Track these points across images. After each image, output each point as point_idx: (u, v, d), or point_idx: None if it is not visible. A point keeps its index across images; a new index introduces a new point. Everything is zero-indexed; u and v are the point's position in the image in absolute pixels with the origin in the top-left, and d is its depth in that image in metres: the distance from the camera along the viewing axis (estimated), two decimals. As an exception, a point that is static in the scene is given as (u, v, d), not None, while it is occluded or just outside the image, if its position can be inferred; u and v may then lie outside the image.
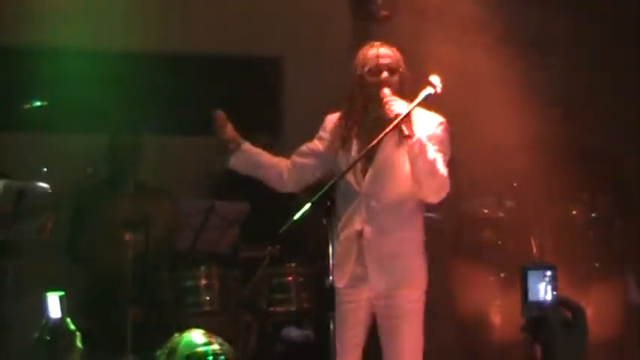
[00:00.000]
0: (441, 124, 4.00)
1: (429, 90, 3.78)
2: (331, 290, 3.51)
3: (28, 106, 4.90)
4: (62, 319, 2.39)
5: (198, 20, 6.37)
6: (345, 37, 6.26)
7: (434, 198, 3.94)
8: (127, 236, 5.12)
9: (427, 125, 3.95)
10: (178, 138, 6.49)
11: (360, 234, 3.95)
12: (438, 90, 3.78)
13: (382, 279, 3.94)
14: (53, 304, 2.40)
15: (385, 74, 3.97)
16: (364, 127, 4.04)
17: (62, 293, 2.42)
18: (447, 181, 3.87)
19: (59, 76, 5.87)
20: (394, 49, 4.07)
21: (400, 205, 4.00)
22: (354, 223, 3.96)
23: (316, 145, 4.17)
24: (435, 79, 3.79)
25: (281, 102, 6.68)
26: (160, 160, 6.08)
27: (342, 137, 4.03)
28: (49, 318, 2.39)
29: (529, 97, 6.38)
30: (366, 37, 6.40)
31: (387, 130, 3.73)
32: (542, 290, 2.29)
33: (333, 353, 3.52)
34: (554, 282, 2.32)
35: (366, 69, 3.99)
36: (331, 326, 3.48)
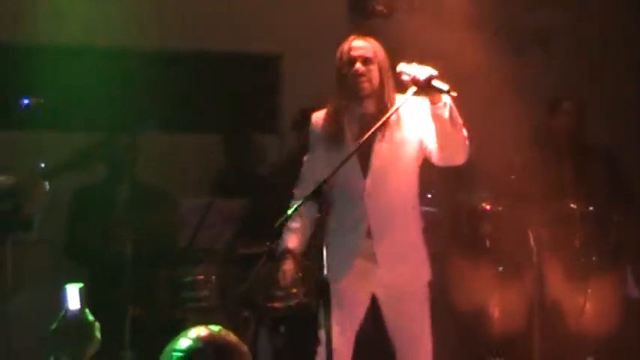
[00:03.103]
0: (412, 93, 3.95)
1: (412, 89, 3.75)
2: (326, 284, 3.51)
3: (26, 103, 4.89)
4: (81, 311, 2.38)
5: (196, 18, 6.37)
6: (342, 33, 6.25)
7: (463, 156, 3.94)
8: (125, 234, 5.13)
9: (420, 110, 3.96)
10: (177, 136, 6.50)
11: (368, 234, 3.96)
12: (453, 94, 3.71)
13: (395, 276, 3.97)
14: (72, 296, 2.40)
15: (358, 65, 3.97)
16: (354, 124, 4.04)
17: (81, 285, 2.41)
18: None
19: (57, 74, 5.87)
20: (371, 40, 4.09)
21: (402, 202, 4.04)
22: (361, 223, 3.96)
23: (312, 168, 4.15)
24: (439, 84, 3.73)
25: (279, 99, 6.68)
26: (158, 158, 6.09)
27: (333, 135, 4.02)
28: (67, 309, 2.38)
29: (528, 92, 6.39)
30: (363, 34, 6.43)
31: (376, 126, 3.74)
32: None
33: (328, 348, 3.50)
34: None
35: (341, 62, 4.01)
36: (326, 323, 3.47)
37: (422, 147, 4.04)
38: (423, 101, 3.91)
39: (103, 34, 6.02)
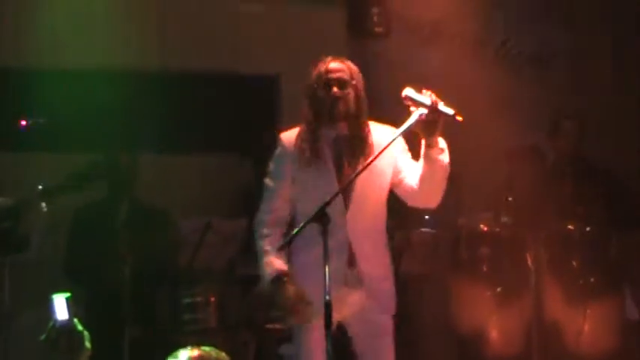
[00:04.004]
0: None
1: (420, 111, 3.75)
2: (329, 306, 3.49)
3: (26, 124, 4.90)
4: (70, 320, 2.38)
5: (195, 39, 6.39)
6: (341, 54, 6.27)
7: (437, 202, 3.96)
8: (125, 255, 5.12)
9: (395, 146, 3.91)
10: (177, 156, 6.51)
11: (350, 262, 3.95)
12: (459, 118, 3.70)
13: (372, 303, 3.96)
14: (60, 306, 2.40)
15: (335, 89, 3.97)
16: (329, 145, 4.01)
17: (69, 295, 2.42)
18: None
19: (57, 97, 5.89)
20: (348, 63, 4.02)
21: (377, 232, 4.02)
22: (342, 252, 3.89)
23: (278, 196, 4.03)
24: (445, 108, 3.73)
25: (278, 119, 6.69)
26: (157, 178, 6.09)
27: (309, 156, 3.96)
28: (56, 320, 2.38)
29: (526, 112, 6.41)
30: (362, 54, 6.45)
31: (380, 152, 3.73)
32: None
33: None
34: None
35: (317, 84, 3.97)
36: (328, 344, 3.46)
37: (394, 182, 4.00)
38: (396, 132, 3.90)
39: (103, 57, 6.04)
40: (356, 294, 3.94)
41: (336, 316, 3.77)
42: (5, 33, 5.99)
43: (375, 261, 4.01)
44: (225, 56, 6.46)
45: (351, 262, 3.93)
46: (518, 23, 7.00)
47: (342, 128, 3.98)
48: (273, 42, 6.45)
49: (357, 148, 3.95)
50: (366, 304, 3.96)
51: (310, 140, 3.96)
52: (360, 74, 4.03)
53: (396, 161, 3.98)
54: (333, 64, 4.00)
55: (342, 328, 4.01)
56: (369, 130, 3.98)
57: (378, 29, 6.67)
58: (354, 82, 3.97)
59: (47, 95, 5.86)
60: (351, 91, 3.96)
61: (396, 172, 3.99)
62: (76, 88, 6.05)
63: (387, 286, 4.06)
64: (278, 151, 4.08)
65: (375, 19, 6.66)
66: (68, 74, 6.07)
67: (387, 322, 4.04)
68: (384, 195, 4.03)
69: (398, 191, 4.03)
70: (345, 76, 3.97)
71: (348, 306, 3.92)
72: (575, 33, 7.00)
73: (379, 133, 3.99)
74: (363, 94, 4.00)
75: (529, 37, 7.01)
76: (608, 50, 6.97)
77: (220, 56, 6.45)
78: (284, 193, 4.03)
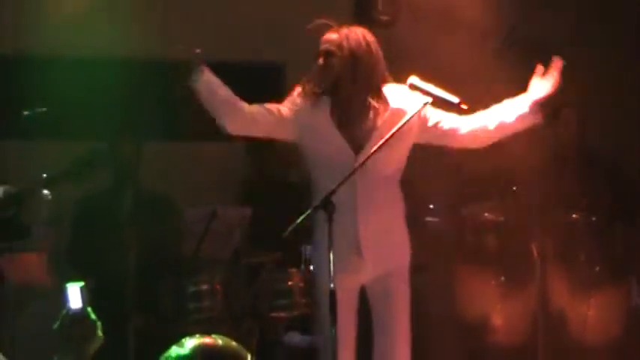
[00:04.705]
0: (425, 105, 3.94)
1: (425, 99, 3.78)
2: (333, 294, 3.51)
3: (28, 113, 4.89)
4: (83, 309, 2.38)
5: (198, 26, 6.37)
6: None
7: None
8: (130, 246, 5.11)
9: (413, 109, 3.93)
10: (180, 144, 6.50)
11: (354, 216, 3.92)
12: (464, 107, 3.77)
13: (378, 260, 3.96)
14: (74, 295, 2.39)
15: (320, 60, 3.95)
16: (336, 108, 3.99)
17: (82, 283, 2.41)
18: None
19: (59, 84, 5.87)
20: (344, 32, 4.05)
21: (389, 180, 4.04)
22: (348, 204, 3.91)
23: (283, 110, 4.14)
24: (450, 97, 3.77)
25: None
26: (161, 166, 6.08)
27: (313, 120, 4.01)
28: (69, 308, 2.37)
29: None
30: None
31: (391, 133, 3.74)
32: None
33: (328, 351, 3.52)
34: None
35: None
36: (332, 330, 3.48)
37: (435, 134, 4.04)
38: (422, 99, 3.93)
39: (105, 44, 6.02)
40: (364, 262, 3.93)
41: (354, 281, 3.78)
42: (6, 20, 5.98)
43: (385, 212, 4.00)
44: (230, 44, 6.44)
45: (354, 217, 3.93)
46: (523, 12, 6.98)
47: (345, 92, 3.99)
48: (278, 30, 6.43)
49: (363, 116, 3.94)
50: (378, 262, 3.98)
51: (319, 101, 3.97)
52: (364, 41, 4.03)
53: (423, 121, 3.99)
54: (326, 35, 4.02)
55: (364, 293, 4.05)
56: (372, 97, 4.00)
57: (384, 17, 6.64)
58: (339, 53, 3.97)
59: (50, 83, 5.85)
60: (335, 62, 3.96)
61: (434, 123, 4.01)
62: (80, 76, 6.04)
63: (396, 238, 4.06)
64: (296, 92, 4.12)
65: (382, 7, 6.63)
66: (71, 61, 6.06)
67: (400, 269, 4.06)
68: (398, 160, 4.04)
69: (444, 141, 4.08)
70: (331, 47, 4.01)
71: (363, 274, 3.94)
72: (580, 21, 6.98)
73: (397, 94, 3.99)
74: (360, 61, 3.99)
75: (534, 25, 6.99)
76: (610, 48, 6.95)
77: (225, 44, 6.43)
78: (273, 107, 4.15)
